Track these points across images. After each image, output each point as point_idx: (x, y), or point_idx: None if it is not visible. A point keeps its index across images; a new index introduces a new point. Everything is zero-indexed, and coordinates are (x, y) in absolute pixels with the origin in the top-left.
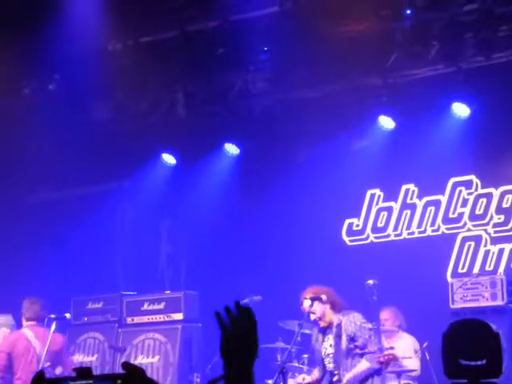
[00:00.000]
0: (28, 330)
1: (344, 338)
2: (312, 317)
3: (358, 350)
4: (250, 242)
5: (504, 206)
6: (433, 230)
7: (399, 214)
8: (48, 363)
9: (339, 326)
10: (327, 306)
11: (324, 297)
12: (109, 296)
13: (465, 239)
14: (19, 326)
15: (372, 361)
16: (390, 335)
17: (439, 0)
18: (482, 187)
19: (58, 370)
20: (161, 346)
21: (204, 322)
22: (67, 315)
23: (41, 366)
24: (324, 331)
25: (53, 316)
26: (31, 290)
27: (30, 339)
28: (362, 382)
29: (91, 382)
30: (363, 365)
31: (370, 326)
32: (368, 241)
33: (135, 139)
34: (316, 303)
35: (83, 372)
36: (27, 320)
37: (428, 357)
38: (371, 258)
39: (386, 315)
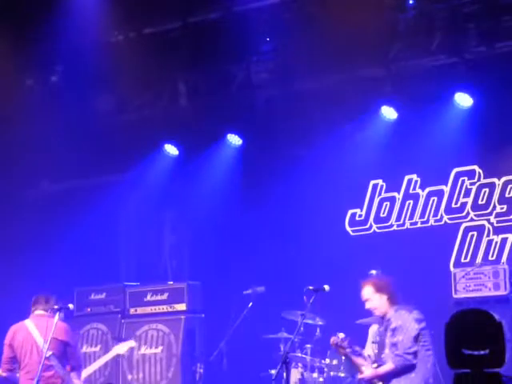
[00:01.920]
0: (29, 321)
1: (388, 332)
2: (367, 305)
3: (394, 348)
4: (253, 233)
5: (507, 195)
6: (435, 220)
7: (402, 204)
8: (50, 352)
9: (389, 319)
10: (384, 297)
11: (380, 286)
12: (112, 287)
13: (467, 229)
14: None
15: (395, 362)
16: None
17: None
18: (485, 177)
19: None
20: (164, 336)
21: (207, 313)
22: (70, 306)
23: (44, 355)
24: (381, 322)
25: (56, 307)
26: (34, 282)
27: (30, 330)
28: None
29: None
30: (386, 366)
31: (416, 326)
32: (371, 231)
33: (138, 130)
34: (371, 291)
35: None
36: (33, 311)
37: None
38: (374, 249)
39: None
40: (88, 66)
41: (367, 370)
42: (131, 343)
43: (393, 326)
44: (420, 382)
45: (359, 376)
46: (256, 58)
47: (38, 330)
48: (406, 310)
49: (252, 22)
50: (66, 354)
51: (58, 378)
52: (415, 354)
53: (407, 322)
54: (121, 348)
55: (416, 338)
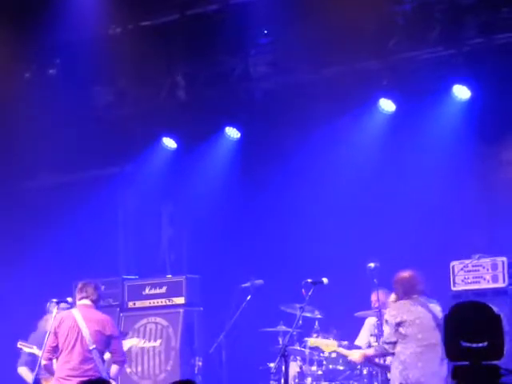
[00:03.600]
0: (76, 311)
1: None
2: None
3: None
4: (251, 226)
5: None
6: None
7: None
8: (94, 345)
9: None
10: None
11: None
12: (110, 280)
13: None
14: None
15: (375, 348)
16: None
17: None
18: None
19: (106, 356)
20: (163, 330)
21: (206, 306)
22: (69, 299)
23: (90, 347)
24: (379, 316)
25: (54, 300)
26: (33, 274)
27: (77, 320)
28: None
29: None
30: (370, 350)
31: (392, 319)
32: (370, 223)
33: (136, 123)
34: None
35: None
36: (79, 299)
37: None
38: (373, 241)
39: (379, 296)
40: (86, 59)
41: (355, 353)
42: (134, 341)
43: (384, 317)
44: (394, 371)
45: (349, 358)
46: (254, 50)
47: (85, 321)
48: (397, 303)
49: (250, 14)
50: (109, 348)
51: (96, 372)
52: (393, 344)
53: (388, 314)
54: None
55: (394, 330)
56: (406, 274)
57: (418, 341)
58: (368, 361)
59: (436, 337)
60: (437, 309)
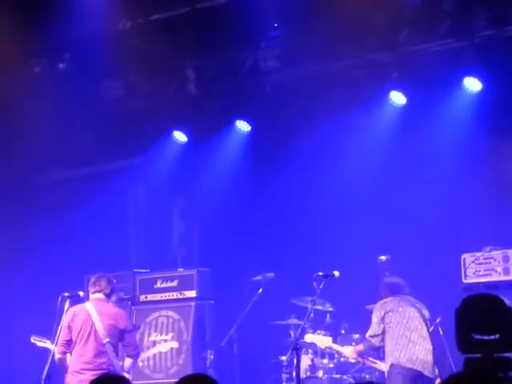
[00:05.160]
0: (90, 304)
1: None
2: None
3: None
4: (262, 219)
5: None
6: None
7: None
8: (107, 339)
9: None
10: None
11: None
12: (122, 274)
13: None
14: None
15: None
16: None
17: None
18: None
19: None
20: (174, 323)
21: (217, 299)
22: (80, 293)
23: (104, 341)
24: None
25: (66, 294)
26: (44, 269)
27: (91, 313)
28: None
29: None
30: (360, 346)
31: (377, 313)
32: (381, 215)
33: (146, 117)
34: None
35: None
36: (92, 293)
37: (441, 331)
38: (384, 234)
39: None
40: (96, 53)
41: (348, 350)
42: (174, 344)
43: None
44: (387, 355)
45: (344, 354)
46: (264, 43)
47: (98, 314)
48: (380, 302)
49: (260, 7)
50: (122, 341)
51: (110, 365)
52: (378, 336)
53: (373, 310)
54: (164, 346)
55: (379, 323)
56: (393, 279)
57: (404, 325)
58: (361, 356)
59: (421, 322)
60: (420, 305)
